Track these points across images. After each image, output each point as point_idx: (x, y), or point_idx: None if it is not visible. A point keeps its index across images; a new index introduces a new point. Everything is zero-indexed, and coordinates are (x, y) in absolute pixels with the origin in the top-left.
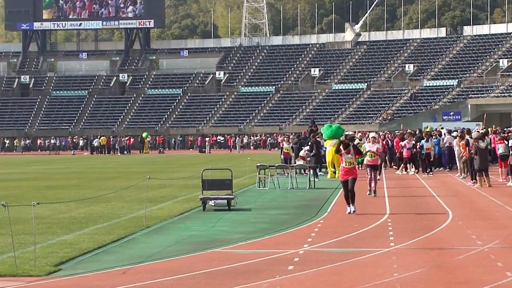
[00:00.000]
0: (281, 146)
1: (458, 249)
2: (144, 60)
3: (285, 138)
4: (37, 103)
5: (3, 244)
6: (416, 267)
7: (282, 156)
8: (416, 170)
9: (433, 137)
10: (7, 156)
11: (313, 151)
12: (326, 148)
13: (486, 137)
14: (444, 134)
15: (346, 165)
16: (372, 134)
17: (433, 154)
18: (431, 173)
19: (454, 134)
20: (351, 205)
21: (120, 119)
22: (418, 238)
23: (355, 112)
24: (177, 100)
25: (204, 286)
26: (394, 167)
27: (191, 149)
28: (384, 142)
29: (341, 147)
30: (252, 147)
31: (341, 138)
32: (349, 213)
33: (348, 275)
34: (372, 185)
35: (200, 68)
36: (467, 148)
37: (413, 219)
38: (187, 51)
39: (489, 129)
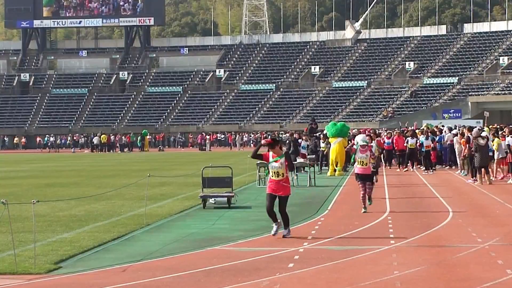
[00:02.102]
0: None
1: (458, 246)
2: (144, 58)
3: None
4: (37, 101)
5: (3, 242)
6: (416, 265)
7: None
8: (413, 168)
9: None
10: (7, 154)
11: (291, 149)
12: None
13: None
14: (445, 131)
15: (273, 176)
16: (360, 137)
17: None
18: (431, 170)
19: (455, 131)
20: (275, 224)
21: (120, 117)
22: (418, 235)
23: (356, 109)
24: (177, 98)
25: (204, 284)
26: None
27: (192, 147)
28: (382, 141)
29: (261, 151)
30: (252, 145)
31: (263, 141)
32: (273, 234)
33: (348, 272)
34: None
35: (200, 66)
36: (467, 145)
37: (413, 217)
38: (187, 48)
39: (486, 128)
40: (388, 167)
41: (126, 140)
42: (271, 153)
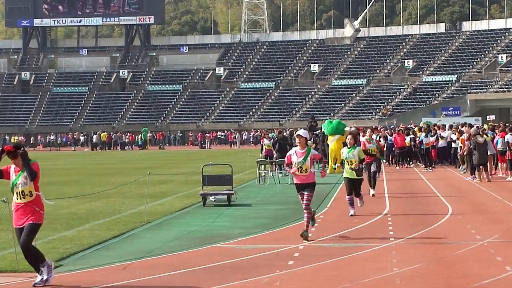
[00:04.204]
0: (261, 143)
1: (457, 243)
2: (144, 56)
3: (265, 135)
4: (38, 99)
5: (4, 240)
6: (415, 262)
7: (263, 154)
8: (414, 165)
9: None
10: None
11: (277, 148)
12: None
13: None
14: (446, 129)
15: (18, 198)
16: (301, 131)
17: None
18: (430, 168)
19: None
20: (39, 274)
21: (120, 115)
22: (418, 232)
23: (355, 107)
24: (177, 96)
25: (205, 281)
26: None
27: (192, 145)
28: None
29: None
30: (252, 143)
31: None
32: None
33: (348, 270)
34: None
35: (200, 64)
36: (466, 143)
37: (412, 214)
38: (187, 47)
39: (485, 126)
40: (406, 165)
41: (128, 138)
42: (13, 167)
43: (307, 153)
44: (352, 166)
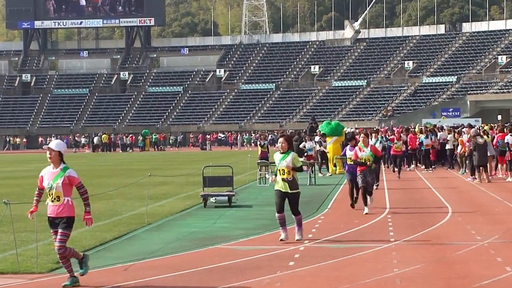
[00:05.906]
0: (258, 144)
1: (457, 244)
2: (144, 58)
3: (261, 137)
4: (39, 101)
5: (5, 241)
6: (416, 263)
7: (259, 156)
8: (414, 166)
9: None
10: (9, 154)
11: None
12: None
13: (491, 131)
14: (444, 129)
15: None
16: (51, 145)
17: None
18: (430, 169)
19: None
20: None
21: (121, 117)
22: (418, 233)
23: (355, 108)
24: (178, 98)
25: (206, 282)
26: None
27: (192, 147)
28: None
29: None
30: (252, 144)
31: None
32: None
33: (348, 270)
34: None
35: (200, 66)
36: (465, 144)
37: (413, 215)
38: (187, 48)
39: (485, 127)
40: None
41: (128, 140)
42: None
43: (59, 174)
44: (285, 177)
